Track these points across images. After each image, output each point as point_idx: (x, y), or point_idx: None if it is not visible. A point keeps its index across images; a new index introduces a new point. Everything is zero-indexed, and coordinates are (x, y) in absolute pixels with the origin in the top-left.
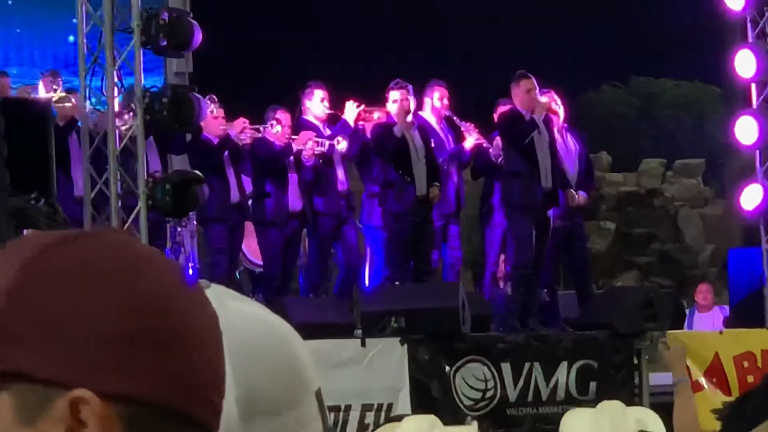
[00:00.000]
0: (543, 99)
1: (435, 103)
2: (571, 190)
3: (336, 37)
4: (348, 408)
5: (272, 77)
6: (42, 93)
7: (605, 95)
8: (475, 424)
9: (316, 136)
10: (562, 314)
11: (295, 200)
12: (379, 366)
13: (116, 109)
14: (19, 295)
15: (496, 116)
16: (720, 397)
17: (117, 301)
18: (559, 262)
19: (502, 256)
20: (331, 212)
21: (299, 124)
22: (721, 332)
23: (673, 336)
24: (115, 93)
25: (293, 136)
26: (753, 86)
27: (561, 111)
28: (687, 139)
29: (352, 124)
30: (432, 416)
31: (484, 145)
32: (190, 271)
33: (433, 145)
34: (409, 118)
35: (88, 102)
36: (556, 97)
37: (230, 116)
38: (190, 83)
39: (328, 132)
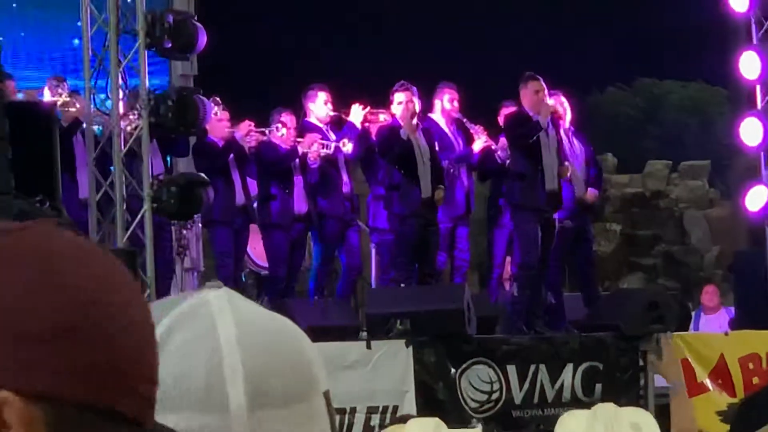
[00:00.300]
0: (549, 101)
1: (445, 105)
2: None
3: (341, 38)
4: (353, 410)
5: (277, 80)
6: (47, 98)
7: (610, 97)
8: (479, 426)
9: (321, 139)
10: (568, 316)
11: (300, 203)
12: (385, 368)
13: (121, 111)
14: None
15: (500, 118)
16: (725, 399)
17: (35, 298)
18: (565, 262)
19: (508, 258)
20: (336, 214)
21: (302, 127)
22: (726, 334)
23: (665, 340)
24: (120, 95)
25: (299, 139)
26: (758, 87)
27: (568, 113)
28: (692, 141)
29: (359, 126)
30: (436, 419)
31: (492, 147)
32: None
33: (438, 147)
34: (414, 120)
35: (93, 104)
36: (563, 99)
37: (235, 119)
38: (194, 85)
39: (331, 134)
